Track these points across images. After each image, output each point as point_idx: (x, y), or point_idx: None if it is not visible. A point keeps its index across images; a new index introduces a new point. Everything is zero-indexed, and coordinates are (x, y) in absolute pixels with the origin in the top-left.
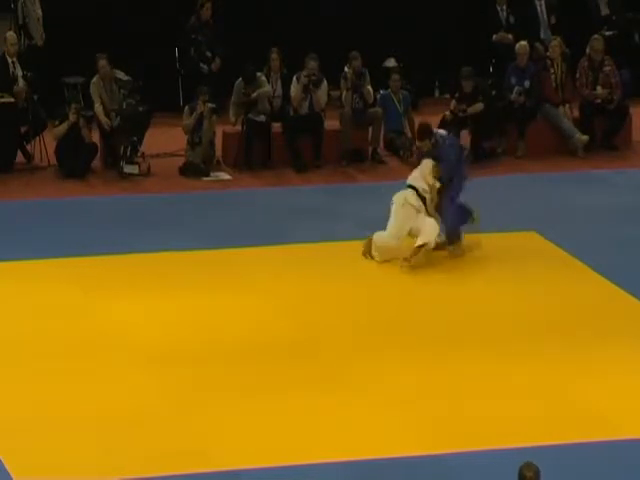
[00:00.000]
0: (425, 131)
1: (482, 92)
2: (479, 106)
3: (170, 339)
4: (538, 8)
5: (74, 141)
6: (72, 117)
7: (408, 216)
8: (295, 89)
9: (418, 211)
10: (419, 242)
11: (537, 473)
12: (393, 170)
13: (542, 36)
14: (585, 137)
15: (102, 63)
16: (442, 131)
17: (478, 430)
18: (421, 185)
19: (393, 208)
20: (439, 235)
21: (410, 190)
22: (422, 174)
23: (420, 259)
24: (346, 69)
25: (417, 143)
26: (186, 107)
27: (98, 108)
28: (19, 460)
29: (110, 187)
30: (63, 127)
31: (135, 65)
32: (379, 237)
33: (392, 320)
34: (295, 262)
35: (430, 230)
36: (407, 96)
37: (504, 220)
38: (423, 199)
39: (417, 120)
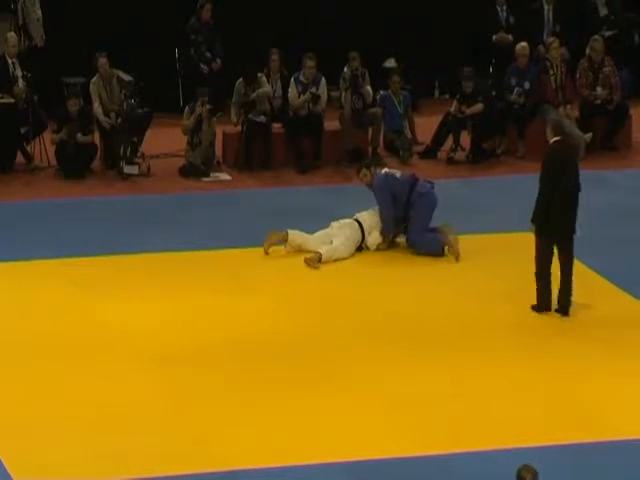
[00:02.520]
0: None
1: (482, 92)
2: (479, 106)
3: (170, 339)
4: (545, 13)
5: (74, 142)
6: (65, 135)
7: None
8: (293, 92)
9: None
10: (321, 253)
11: (535, 475)
12: None
13: (544, 39)
14: (588, 134)
15: (102, 61)
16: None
17: (478, 430)
18: (366, 224)
19: (343, 225)
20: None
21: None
22: (370, 224)
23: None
24: (345, 69)
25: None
26: (186, 107)
27: (97, 108)
28: (19, 460)
29: (110, 187)
30: (60, 136)
31: (135, 65)
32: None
33: (392, 320)
34: (295, 262)
35: (334, 247)
36: (407, 96)
37: (504, 220)
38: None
39: (417, 120)
